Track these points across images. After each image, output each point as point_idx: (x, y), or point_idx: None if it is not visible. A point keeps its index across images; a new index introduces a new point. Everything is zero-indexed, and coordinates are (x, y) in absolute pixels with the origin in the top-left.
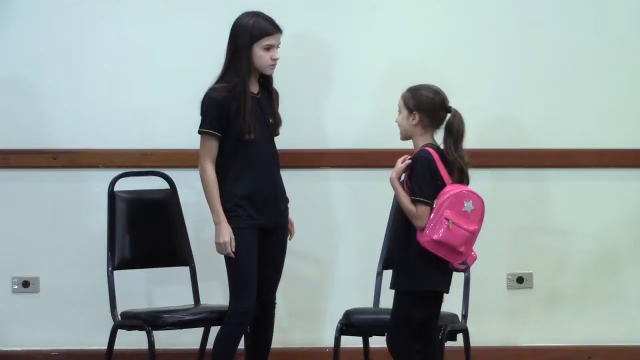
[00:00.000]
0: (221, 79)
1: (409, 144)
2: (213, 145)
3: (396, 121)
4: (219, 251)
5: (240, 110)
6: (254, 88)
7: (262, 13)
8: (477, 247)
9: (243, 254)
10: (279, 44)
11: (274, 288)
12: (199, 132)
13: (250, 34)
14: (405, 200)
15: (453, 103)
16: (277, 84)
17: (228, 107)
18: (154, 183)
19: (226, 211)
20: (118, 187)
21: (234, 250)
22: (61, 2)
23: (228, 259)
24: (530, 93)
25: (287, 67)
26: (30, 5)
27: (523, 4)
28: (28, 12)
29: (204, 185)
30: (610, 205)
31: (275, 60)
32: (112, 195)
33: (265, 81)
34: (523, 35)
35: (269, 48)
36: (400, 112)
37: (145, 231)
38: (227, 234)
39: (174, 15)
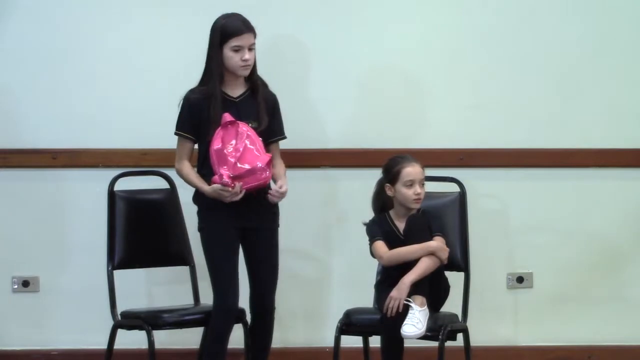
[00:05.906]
0: (201, 81)
1: (405, 143)
2: (186, 147)
3: (421, 193)
4: (224, 198)
5: (210, 113)
6: (235, 91)
7: (237, 14)
8: (477, 247)
9: (220, 252)
10: (252, 45)
11: (270, 291)
12: (175, 134)
13: (220, 34)
14: (421, 249)
15: (448, 103)
16: (278, 84)
17: (200, 110)
18: (154, 183)
19: (203, 210)
20: (118, 186)
21: (225, 182)
22: (61, 3)
23: (207, 259)
24: (529, 93)
25: (286, 67)
26: (30, 6)
27: (521, 4)
28: (28, 13)
29: (183, 178)
30: (610, 205)
31: (245, 61)
32: (111, 194)
33: (253, 84)
34: (522, 36)
35: (237, 49)
36: (423, 184)
37: (145, 231)
38: (211, 190)
39: (173, 14)
